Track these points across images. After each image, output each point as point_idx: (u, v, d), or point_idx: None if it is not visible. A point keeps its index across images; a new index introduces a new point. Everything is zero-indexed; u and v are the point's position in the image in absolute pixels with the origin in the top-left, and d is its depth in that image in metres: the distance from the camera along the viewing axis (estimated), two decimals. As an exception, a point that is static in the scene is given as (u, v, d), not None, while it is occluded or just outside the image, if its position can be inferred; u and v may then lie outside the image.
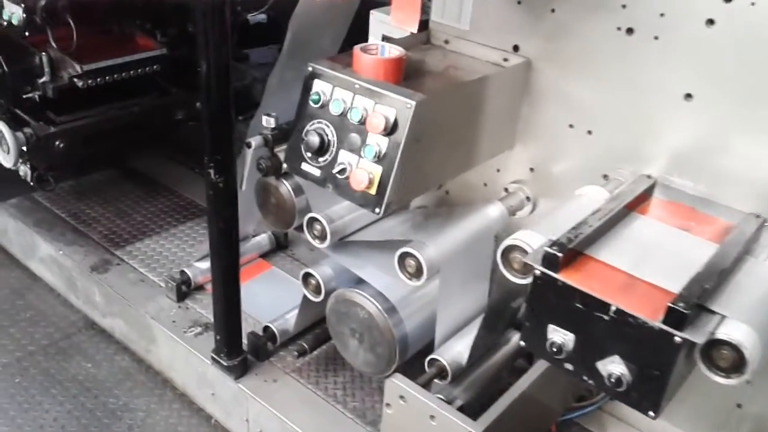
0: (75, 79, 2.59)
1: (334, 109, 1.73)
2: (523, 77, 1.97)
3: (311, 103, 1.77)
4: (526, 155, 2.08)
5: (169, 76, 2.97)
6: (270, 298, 2.58)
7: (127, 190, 3.22)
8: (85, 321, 2.79)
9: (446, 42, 2.11)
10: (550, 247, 1.42)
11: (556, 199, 2.04)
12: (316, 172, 1.79)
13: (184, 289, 2.55)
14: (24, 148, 2.51)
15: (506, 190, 2.13)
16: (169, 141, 3.34)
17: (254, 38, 3.81)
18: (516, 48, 1.97)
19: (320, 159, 1.77)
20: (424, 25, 2.21)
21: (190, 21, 3.09)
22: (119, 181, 3.28)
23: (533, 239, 1.54)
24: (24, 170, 2.63)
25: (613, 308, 1.36)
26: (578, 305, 1.40)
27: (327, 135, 1.75)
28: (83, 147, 2.68)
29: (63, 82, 2.60)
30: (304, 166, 1.81)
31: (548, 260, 1.42)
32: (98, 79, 2.63)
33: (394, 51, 1.81)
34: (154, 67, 2.81)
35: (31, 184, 2.68)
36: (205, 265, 2.59)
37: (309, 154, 1.79)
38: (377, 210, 1.68)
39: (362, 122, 1.67)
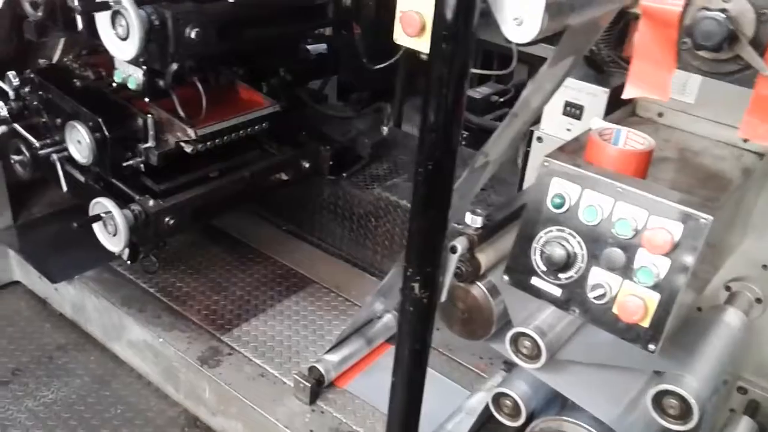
0: (182, 144, 2.23)
1: (587, 218, 1.40)
2: (769, 162, 1.67)
3: (551, 206, 1.44)
4: (757, 250, 1.76)
5: (271, 132, 2.62)
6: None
7: (216, 257, 2.86)
8: (186, 417, 2.43)
9: (660, 115, 1.79)
10: None
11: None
12: (555, 291, 1.46)
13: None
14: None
15: (728, 288, 1.81)
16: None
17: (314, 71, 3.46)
18: (761, 128, 1.66)
19: (562, 276, 1.44)
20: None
21: (286, 68, 2.77)
22: (204, 244, 2.92)
23: None
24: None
25: None
26: None
27: (572, 247, 1.42)
28: (191, 221, 2.33)
29: (168, 148, 2.25)
30: (536, 282, 1.48)
31: None
32: (208, 143, 2.28)
33: (637, 138, 1.50)
34: (263, 125, 2.46)
35: (128, 262, 2.31)
36: (337, 357, 2.27)
37: (545, 269, 1.46)
38: (651, 347, 1.36)
39: (632, 237, 1.35)
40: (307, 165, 2.66)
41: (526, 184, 2.15)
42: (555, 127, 2.03)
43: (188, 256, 2.83)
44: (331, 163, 2.72)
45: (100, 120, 2.12)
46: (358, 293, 2.71)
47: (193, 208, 2.29)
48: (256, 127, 2.44)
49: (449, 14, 1.28)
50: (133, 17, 1.70)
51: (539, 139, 2.09)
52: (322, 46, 3.45)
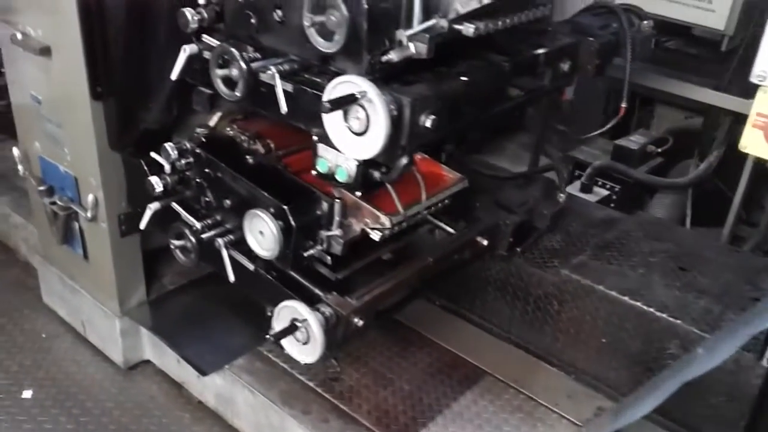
0: (370, 230, 1.93)
1: None
2: None
3: None
4: None
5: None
6: None
7: (373, 341, 2.54)
8: None
9: None
10: None
11: None
12: None
13: None
14: (318, 332, 1.84)
15: None
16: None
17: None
18: None
19: None
20: None
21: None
22: (355, 324, 2.61)
23: None
24: (298, 351, 1.96)
25: None
26: None
27: None
28: (375, 317, 2.02)
29: (354, 235, 1.94)
30: None
31: None
32: (395, 228, 1.96)
33: None
34: (445, 201, 2.14)
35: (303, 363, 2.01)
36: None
37: None
38: None
39: None
40: (485, 243, 2.33)
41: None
42: None
43: (342, 340, 2.52)
44: (511, 239, 2.39)
45: (285, 208, 1.83)
46: (540, 389, 2.37)
47: (380, 303, 1.99)
48: (439, 205, 2.13)
49: None
50: (380, 110, 1.39)
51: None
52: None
